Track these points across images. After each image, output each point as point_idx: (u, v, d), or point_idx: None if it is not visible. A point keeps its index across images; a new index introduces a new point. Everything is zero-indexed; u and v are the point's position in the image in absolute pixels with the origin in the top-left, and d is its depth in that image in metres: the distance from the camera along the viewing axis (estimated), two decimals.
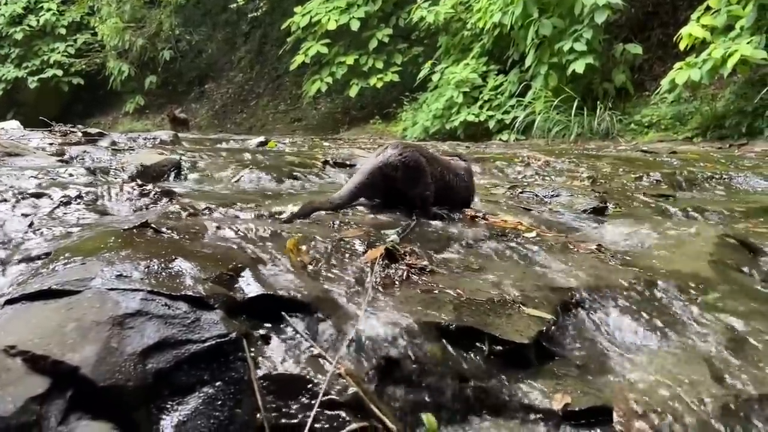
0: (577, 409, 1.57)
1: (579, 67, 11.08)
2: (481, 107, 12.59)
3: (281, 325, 1.67)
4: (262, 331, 1.63)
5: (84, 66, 18.22)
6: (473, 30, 13.37)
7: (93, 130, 6.02)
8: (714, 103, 9.95)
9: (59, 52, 17.92)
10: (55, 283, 1.63)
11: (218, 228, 2.24)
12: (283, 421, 1.42)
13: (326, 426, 1.42)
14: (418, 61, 14.70)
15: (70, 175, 3.10)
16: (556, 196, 3.96)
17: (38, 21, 17.69)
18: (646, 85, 11.80)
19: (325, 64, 15.22)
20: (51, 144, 4.92)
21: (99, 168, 3.45)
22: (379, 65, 14.75)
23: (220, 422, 1.40)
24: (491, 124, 12.58)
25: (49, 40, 18.03)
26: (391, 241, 2.29)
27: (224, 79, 19.79)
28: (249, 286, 1.76)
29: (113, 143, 5.63)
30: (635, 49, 11.25)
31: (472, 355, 1.71)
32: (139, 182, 2.78)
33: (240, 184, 3.86)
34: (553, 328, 1.91)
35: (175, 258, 1.81)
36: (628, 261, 2.53)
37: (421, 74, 14.03)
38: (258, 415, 1.42)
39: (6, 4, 17.58)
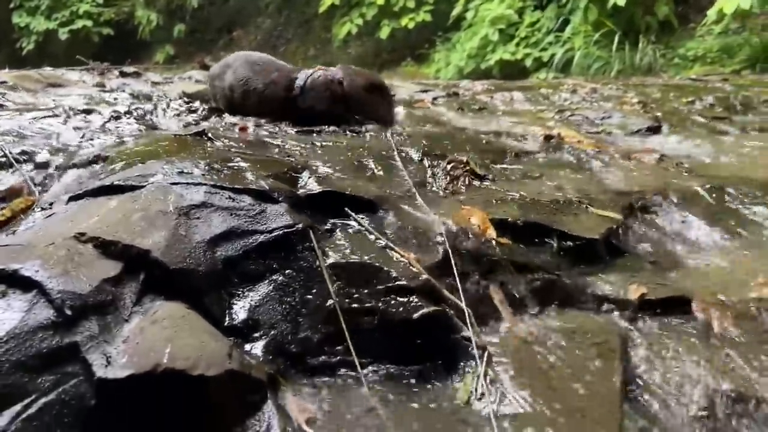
0: (654, 298, 1.52)
1: None
2: (517, 45, 12.20)
3: (345, 221, 1.63)
4: (326, 225, 1.60)
5: (113, 15, 18.15)
6: None
7: (129, 69, 5.99)
8: (765, 33, 9.49)
9: (88, 2, 17.85)
10: (117, 179, 1.62)
11: (269, 139, 2.19)
12: (355, 305, 1.39)
13: (400, 310, 1.39)
14: (451, 0, 14.27)
15: (115, 99, 3.08)
16: (608, 117, 3.82)
17: None
18: (690, 17, 11.29)
19: (354, 5, 14.88)
20: (90, 79, 4.91)
21: (142, 95, 3.42)
22: (411, 5, 14.35)
23: (292, 307, 1.38)
24: (528, 62, 12.21)
25: None
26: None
27: (252, 25, 19.55)
28: (310, 184, 1.72)
29: (150, 80, 5.60)
30: None
31: (541, 249, 1.66)
32: (186, 99, 2.74)
33: None
34: (621, 228, 1.84)
35: (234, 159, 1.78)
36: (693, 170, 2.43)
37: (454, 12, 13.63)
38: (329, 301, 1.39)
39: None
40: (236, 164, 1.74)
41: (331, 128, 2.65)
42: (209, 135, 2.03)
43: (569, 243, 1.69)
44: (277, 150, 2.08)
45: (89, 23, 18.07)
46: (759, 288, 1.56)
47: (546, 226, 1.71)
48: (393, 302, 1.40)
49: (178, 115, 2.59)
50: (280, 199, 1.58)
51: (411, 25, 14.52)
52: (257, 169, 1.72)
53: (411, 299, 1.40)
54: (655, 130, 3.49)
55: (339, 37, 15.31)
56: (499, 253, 1.58)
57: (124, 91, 4.00)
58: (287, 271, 1.44)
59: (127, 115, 2.47)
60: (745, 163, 2.52)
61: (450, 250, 1.54)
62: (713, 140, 3.15)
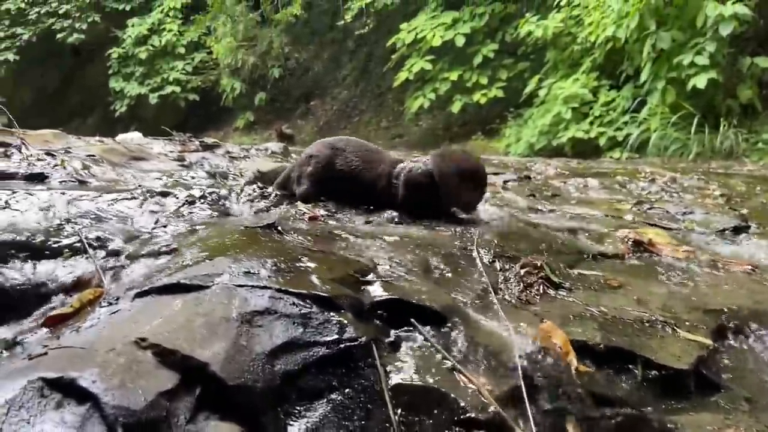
0: None
1: (700, 82, 10.40)
2: (591, 123, 12.09)
3: (410, 333, 1.55)
4: (390, 338, 1.52)
5: (199, 83, 19.20)
6: (584, 44, 12.91)
7: (209, 140, 6.22)
8: None
9: (178, 70, 18.97)
10: (183, 277, 1.60)
11: (339, 231, 2.16)
12: None
13: None
14: (524, 77, 14.37)
15: (192, 177, 3.16)
16: (690, 213, 3.64)
17: (161, 41, 18.82)
18: None
19: (428, 80, 15.18)
20: (171, 151, 5.10)
21: (218, 172, 3.51)
22: (483, 81, 14.53)
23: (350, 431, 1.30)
24: (602, 141, 12.03)
25: (169, 59, 19.13)
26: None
27: (329, 96, 20.23)
28: (375, 290, 1.66)
29: (228, 152, 5.78)
30: (765, 62, 10.44)
31: (623, 379, 1.52)
32: (260, 185, 2.78)
33: None
34: (711, 356, 1.68)
35: (301, 258, 1.74)
36: None
37: (528, 89, 13.69)
38: (391, 429, 1.30)
39: (133, 26, 18.82)
40: (303, 264, 1.70)
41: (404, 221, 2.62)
42: (279, 228, 2.01)
43: (654, 372, 1.54)
44: (344, 245, 2.04)
45: (177, 89, 19.18)
46: None
47: (630, 352, 1.57)
48: None
49: (251, 200, 2.61)
50: (344, 307, 1.52)
51: (483, 101, 14.67)
52: (323, 271, 1.67)
53: None
54: (741, 230, 3.29)
55: (411, 110, 15.60)
56: (577, 383, 1.46)
57: (202, 165, 4.12)
58: (347, 390, 1.36)
59: (202, 200, 2.51)
60: None
61: (523, 378, 1.42)
62: None
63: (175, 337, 1.35)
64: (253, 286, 1.53)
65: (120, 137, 8.72)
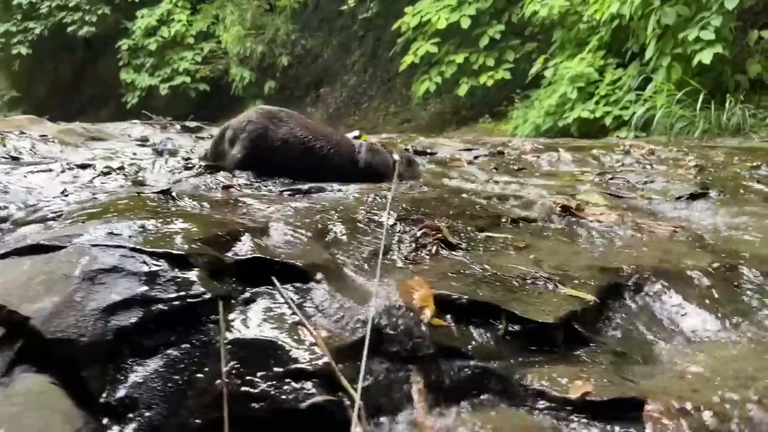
0: (597, 399, 1.29)
1: (706, 57, 10.11)
2: (597, 103, 11.84)
3: (271, 290, 1.52)
4: (246, 295, 1.49)
5: (208, 72, 19.24)
6: (590, 22, 12.64)
7: (192, 124, 6.23)
8: None
9: (187, 60, 19.05)
10: (45, 238, 1.59)
11: (247, 199, 2.14)
12: (245, 389, 1.27)
13: (290, 397, 1.25)
14: (531, 58, 14.12)
15: (134, 153, 3.16)
16: (651, 182, 3.55)
17: (170, 32, 18.91)
18: None
19: (434, 63, 15.03)
20: (147, 134, 5.12)
21: (168, 149, 3.50)
22: (490, 63, 14.31)
23: (178, 386, 1.27)
24: (608, 120, 11.79)
25: (179, 49, 19.22)
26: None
27: (339, 82, 20.16)
28: (243, 249, 1.63)
29: (211, 135, 5.78)
30: None
31: (482, 332, 1.48)
32: (185, 156, 2.76)
33: None
34: (592, 312, 1.62)
35: (176, 220, 1.72)
36: (711, 245, 2.16)
37: (533, 70, 13.46)
38: (218, 381, 1.27)
39: (142, 17, 18.94)
40: (174, 226, 1.68)
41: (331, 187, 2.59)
42: (173, 194, 1.99)
43: (517, 327, 1.49)
44: (244, 212, 2.01)
45: (188, 79, 19.26)
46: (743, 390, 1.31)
47: (495, 306, 1.53)
48: (286, 387, 1.27)
49: (172, 172, 2.60)
50: (197, 265, 1.50)
51: (490, 83, 14.47)
52: (192, 233, 1.65)
53: (305, 385, 1.26)
54: (699, 196, 3.19)
55: (418, 94, 15.46)
56: (426, 335, 1.41)
57: (164, 144, 4.12)
58: (184, 346, 1.34)
59: (118, 171, 2.50)
60: None
61: (371, 331, 1.39)
62: (760, 210, 2.83)
63: (8, 294, 1.34)
64: (108, 246, 1.51)
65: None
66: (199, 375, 1.29)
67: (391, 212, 2.10)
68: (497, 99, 15.13)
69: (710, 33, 9.96)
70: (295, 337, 1.37)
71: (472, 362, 1.39)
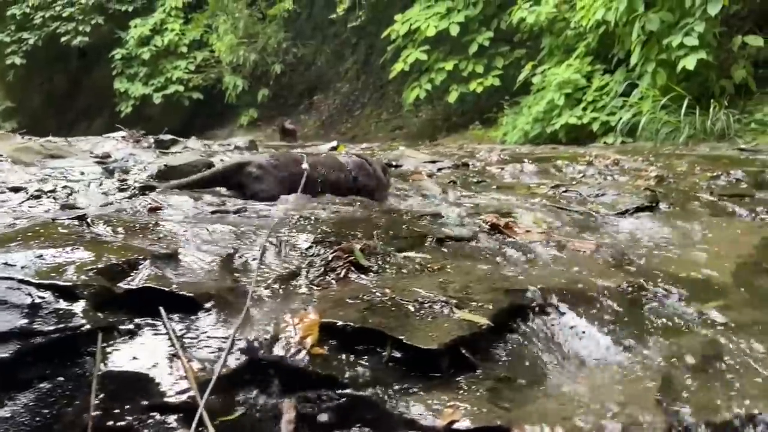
0: (464, 428, 1.30)
1: (690, 63, 10.09)
2: (584, 109, 11.85)
3: (157, 321, 1.53)
4: (130, 326, 1.50)
5: (201, 81, 19.31)
6: (577, 29, 12.66)
7: (167, 137, 6.24)
8: None
9: (180, 69, 19.13)
10: None
11: (163, 222, 2.15)
12: (110, 423, 1.28)
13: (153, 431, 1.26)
14: (521, 65, 14.13)
15: (81, 173, 3.18)
16: (602, 195, 3.56)
17: (163, 41, 19.00)
18: None
19: (424, 71, 15.07)
20: (118, 149, 5.13)
21: (120, 167, 3.52)
22: (480, 70, 14.34)
23: (45, 421, 1.29)
24: (595, 126, 11.78)
25: (172, 58, 19.31)
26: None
27: (332, 90, 20.22)
28: (137, 279, 1.64)
29: (185, 148, 5.81)
30: (756, 41, 10.08)
31: (365, 360, 1.48)
32: (122, 178, 2.78)
33: None
34: (484, 336, 1.63)
35: (77, 248, 1.73)
36: (630, 263, 2.16)
37: (521, 77, 13.47)
38: (85, 415, 1.28)
39: (136, 27, 19.03)
40: (73, 255, 1.69)
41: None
42: (88, 220, 2.01)
43: (400, 354, 1.50)
44: (159, 236, 2.03)
45: (181, 88, 19.34)
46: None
47: (380, 333, 1.53)
48: (150, 422, 1.28)
49: (106, 194, 2.62)
50: (83, 297, 1.51)
51: (479, 90, 14.49)
52: (88, 262, 1.66)
53: (167, 419, 1.27)
54: (646, 209, 3.21)
55: (408, 101, 15.50)
56: (300, 364, 1.42)
57: (110, 165, 4.09)
58: (59, 378, 1.35)
59: (49, 194, 2.52)
60: (699, 255, 2.22)
61: (245, 361, 1.40)
62: (703, 224, 2.84)
63: None
64: None
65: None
66: (68, 408, 1.30)
67: (309, 234, 2.12)
68: (487, 106, 15.15)
69: (694, 39, 9.96)
70: (168, 369, 1.38)
71: (347, 391, 1.40)
